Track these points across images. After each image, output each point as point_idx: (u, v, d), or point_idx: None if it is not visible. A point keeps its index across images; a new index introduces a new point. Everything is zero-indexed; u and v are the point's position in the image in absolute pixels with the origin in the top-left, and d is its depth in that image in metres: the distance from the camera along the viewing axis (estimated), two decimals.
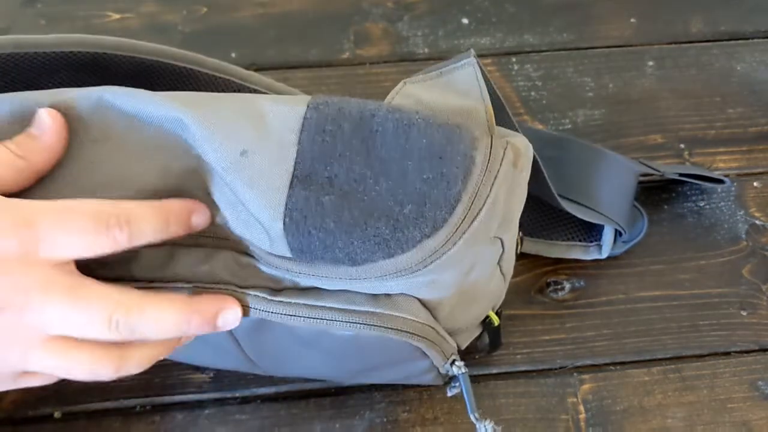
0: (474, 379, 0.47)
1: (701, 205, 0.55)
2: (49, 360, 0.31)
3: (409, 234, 0.31)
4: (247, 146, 0.32)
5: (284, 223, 0.31)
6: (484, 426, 0.39)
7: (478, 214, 0.31)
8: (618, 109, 0.60)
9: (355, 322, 0.33)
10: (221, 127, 0.32)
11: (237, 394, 0.46)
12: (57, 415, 0.46)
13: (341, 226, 0.31)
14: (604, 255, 0.50)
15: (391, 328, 0.33)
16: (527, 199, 0.51)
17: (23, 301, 0.30)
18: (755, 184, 0.56)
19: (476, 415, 0.39)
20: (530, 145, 0.35)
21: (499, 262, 0.39)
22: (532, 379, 0.47)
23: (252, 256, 0.34)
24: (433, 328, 0.34)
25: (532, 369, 0.47)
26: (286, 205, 0.31)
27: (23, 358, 0.31)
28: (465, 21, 0.65)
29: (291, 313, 0.33)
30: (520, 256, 0.51)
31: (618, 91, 0.61)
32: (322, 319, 0.33)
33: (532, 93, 0.61)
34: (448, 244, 0.31)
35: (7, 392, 0.46)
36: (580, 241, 0.51)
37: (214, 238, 0.34)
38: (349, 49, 0.64)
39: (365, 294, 0.33)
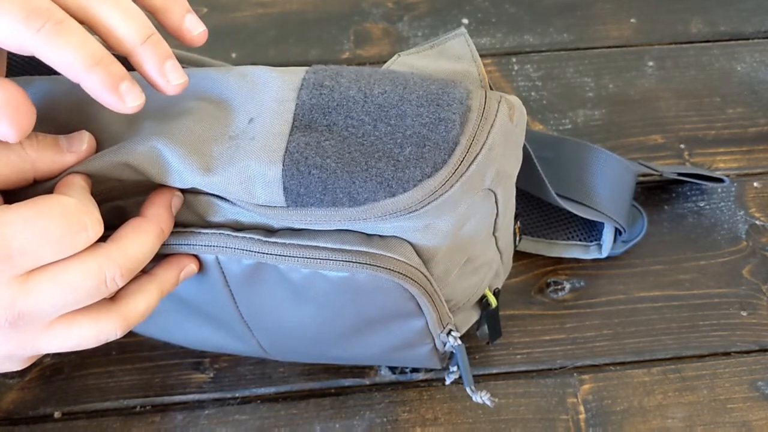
0: (474, 379, 0.47)
1: (701, 205, 0.55)
2: (56, 342, 0.31)
3: (410, 173, 0.31)
4: (254, 114, 0.33)
5: (284, 165, 0.32)
6: (480, 396, 0.40)
7: (475, 158, 0.32)
8: (618, 110, 0.60)
9: (347, 261, 0.33)
10: (232, 104, 0.34)
11: (237, 395, 0.46)
12: (57, 415, 0.46)
13: (343, 166, 0.31)
14: (604, 254, 0.50)
15: (383, 267, 0.33)
16: (527, 198, 0.52)
17: (12, 315, 0.29)
18: (755, 184, 0.56)
19: (472, 387, 0.40)
20: (521, 104, 0.36)
21: (494, 233, 0.39)
22: (532, 379, 0.47)
23: (237, 205, 0.34)
24: (426, 276, 0.34)
25: (532, 369, 0.47)
26: (287, 148, 0.32)
27: (33, 348, 0.31)
28: (465, 21, 0.66)
29: (285, 254, 0.33)
30: (520, 256, 0.51)
31: (618, 91, 0.61)
32: (315, 258, 0.33)
33: (532, 93, 0.61)
34: (447, 185, 0.32)
35: (7, 392, 0.46)
36: (580, 240, 0.51)
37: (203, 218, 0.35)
38: (349, 49, 0.64)
39: (358, 234, 0.34)
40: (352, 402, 0.46)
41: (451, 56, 0.36)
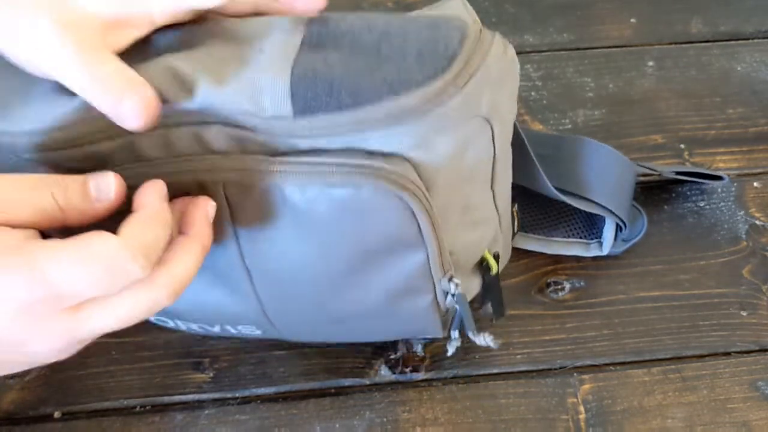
0: (474, 379, 0.47)
1: (701, 205, 0.55)
2: (106, 320, 0.30)
3: (412, 76, 0.33)
4: (264, 45, 0.35)
5: (292, 73, 0.33)
6: (484, 338, 0.41)
7: (474, 73, 0.34)
8: (618, 109, 0.60)
9: (351, 172, 0.34)
10: (245, 38, 0.36)
11: (237, 395, 0.46)
12: (57, 415, 0.46)
13: (349, 70, 0.33)
14: (605, 251, 0.50)
15: (386, 178, 0.34)
16: (527, 196, 0.52)
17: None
18: (755, 184, 0.56)
19: (474, 331, 0.41)
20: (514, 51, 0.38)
21: (492, 186, 0.40)
22: (532, 379, 0.47)
23: (247, 129, 0.35)
24: (426, 196, 0.35)
25: (532, 369, 0.47)
26: (296, 59, 0.34)
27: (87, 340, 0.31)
28: None
29: (291, 170, 0.34)
30: (520, 255, 0.51)
31: (618, 91, 0.61)
32: (320, 172, 0.34)
33: (533, 93, 0.61)
34: (447, 94, 0.33)
35: (7, 392, 0.46)
36: (580, 238, 0.51)
37: (209, 124, 0.35)
38: None
39: (362, 152, 0.35)
40: (352, 402, 0.46)
41: (448, 12, 0.39)
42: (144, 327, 0.46)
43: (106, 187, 0.32)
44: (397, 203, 0.35)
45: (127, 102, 0.32)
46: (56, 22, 0.32)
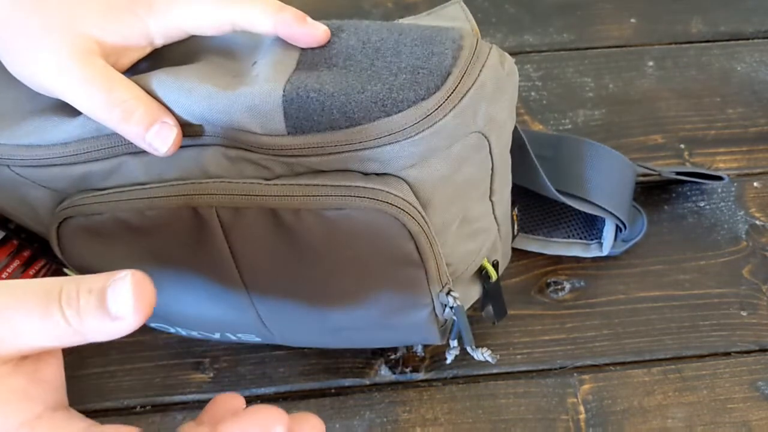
0: (474, 379, 0.47)
1: (701, 205, 0.55)
2: None
3: (404, 95, 0.33)
4: (258, 58, 0.35)
5: (284, 92, 0.33)
6: (482, 353, 0.42)
7: (468, 90, 0.33)
8: (618, 110, 0.60)
9: (346, 195, 0.33)
10: (239, 54, 0.36)
11: None
12: None
13: (340, 89, 0.33)
14: (605, 252, 0.50)
15: (381, 201, 0.33)
16: (527, 197, 0.52)
17: None
18: (755, 184, 0.56)
19: (473, 346, 0.41)
20: (512, 60, 0.37)
21: (491, 197, 0.40)
22: (532, 379, 0.47)
23: (241, 148, 0.35)
24: (422, 216, 0.35)
25: (532, 369, 0.47)
26: (289, 79, 0.33)
27: None
28: None
29: (285, 194, 0.34)
30: (520, 256, 0.51)
31: (618, 91, 0.61)
32: (315, 195, 0.34)
33: (533, 93, 0.61)
34: (440, 111, 0.33)
35: None
36: (580, 238, 0.51)
37: (202, 136, 0.35)
38: None
39: (357, 173, 0.34)
40: (352, 402, 0.46)
41: (447, 18, 0.38)
42: (144, 327, 0.46)
43: (125, 300, 0.25)
44: (393, 225, 0.34)
45: (155, 128, 0.33)
46: (71, 48, 0.32)
